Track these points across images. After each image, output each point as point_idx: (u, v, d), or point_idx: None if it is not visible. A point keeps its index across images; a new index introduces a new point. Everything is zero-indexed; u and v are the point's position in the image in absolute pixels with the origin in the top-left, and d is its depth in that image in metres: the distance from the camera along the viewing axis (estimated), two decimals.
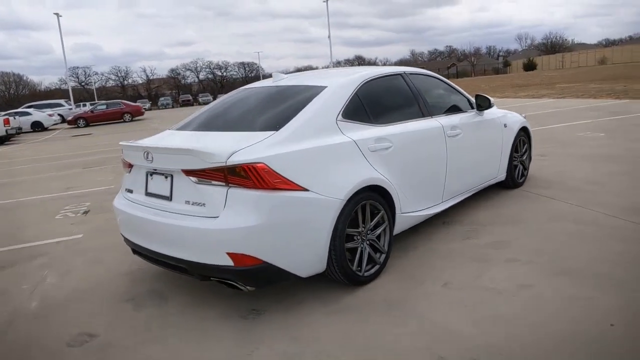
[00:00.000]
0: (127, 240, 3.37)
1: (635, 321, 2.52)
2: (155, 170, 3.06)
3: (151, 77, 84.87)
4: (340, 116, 3.22)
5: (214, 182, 2.72)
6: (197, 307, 3.08)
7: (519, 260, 3.35)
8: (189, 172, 2.80)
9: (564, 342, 2.38)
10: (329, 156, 3.02)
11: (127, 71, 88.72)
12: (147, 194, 3.15)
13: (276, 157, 2.75)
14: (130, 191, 3.33)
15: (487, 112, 4.60)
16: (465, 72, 61.74)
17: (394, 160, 3.39)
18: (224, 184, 2.69)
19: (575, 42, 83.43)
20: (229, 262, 2.67)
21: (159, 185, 3.05)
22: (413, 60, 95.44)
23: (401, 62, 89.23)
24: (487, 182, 4.72)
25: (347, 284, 3.11)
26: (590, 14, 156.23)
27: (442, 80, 4.43)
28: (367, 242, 3.20)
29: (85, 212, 5.87)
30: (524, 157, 5.31)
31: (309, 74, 4.12)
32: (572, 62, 60.69)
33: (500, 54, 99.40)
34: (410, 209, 3.58)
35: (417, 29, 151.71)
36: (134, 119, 29.29)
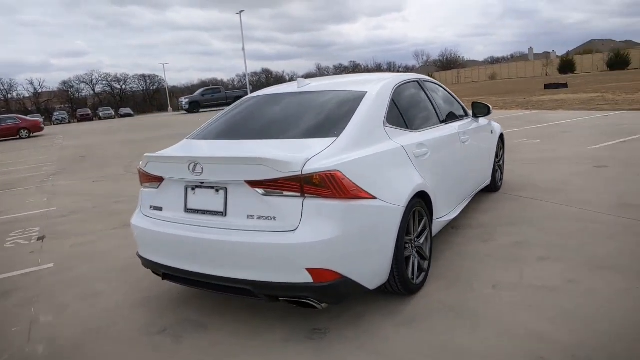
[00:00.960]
0: (152, 264, 2.98)
1: None
2: (203, 183, 2.74)
3: (40, 90, 77.81)
4: (385, 121, 3.15)
5: (286, 193, 2.50)
6: (250, 333, 2.80)
7: (549, 258, 3.48)
8: (255, 184, 2.54)
9: None
10: (386, 162, 2.93)
11: (10, 84, 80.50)
12: (188, 210, 2.81)
13: (348, 164, 2.60)
14: (159, 208, 2.95)
15: (480, 119, 4.78)
16: None
17: (429, 166, 3.37)
18: (299, 194, 2.48)
19: (466, 60, 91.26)
20: (308, 279, 2.46)
21: (206, 199, 2.73)
22: (320, 74, 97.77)
23: (308, 76, 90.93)
24: (482, 186, 4.89)
25: (404, 293, 3.01)
26: (474, 34, 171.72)
27: (443, 88, 4.53)
28: (415, 249, 3.14)
29: (40, 239, 5.13)
30: (501, 162, 5.60)
31: (334, 79, 3.99)
32: (467, 78, 66.12)
33: (400, 69, 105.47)
34: (440, 215, 3.58)
35: (320, 44, 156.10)
36: (32, 135, 26.54)
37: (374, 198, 2.67)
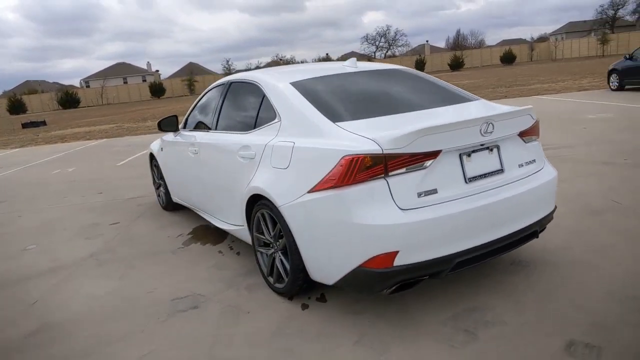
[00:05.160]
0: (428, 264, 2.38)
1: None
2: (482, 145, 2.61)
3: None
4: None
5: (534, 138, 2.90)
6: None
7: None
8: (524, 133, 2.80)
9: None
10: None
11: None
12: (470, 179, 2.56)
13: None
14: (433, 191, 2.44)
15: None
16: None
17: None
18: (536, 137, 2.95)
19: None
20: (553, 206, 2.96)
21: (483, 162, 2.63)
22: None
23: None
24: None
25: None
26: None
27: None
28: None
29: None
30: None
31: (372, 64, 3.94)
32: None
33: None
34: None
35: None
36: None
37: None
